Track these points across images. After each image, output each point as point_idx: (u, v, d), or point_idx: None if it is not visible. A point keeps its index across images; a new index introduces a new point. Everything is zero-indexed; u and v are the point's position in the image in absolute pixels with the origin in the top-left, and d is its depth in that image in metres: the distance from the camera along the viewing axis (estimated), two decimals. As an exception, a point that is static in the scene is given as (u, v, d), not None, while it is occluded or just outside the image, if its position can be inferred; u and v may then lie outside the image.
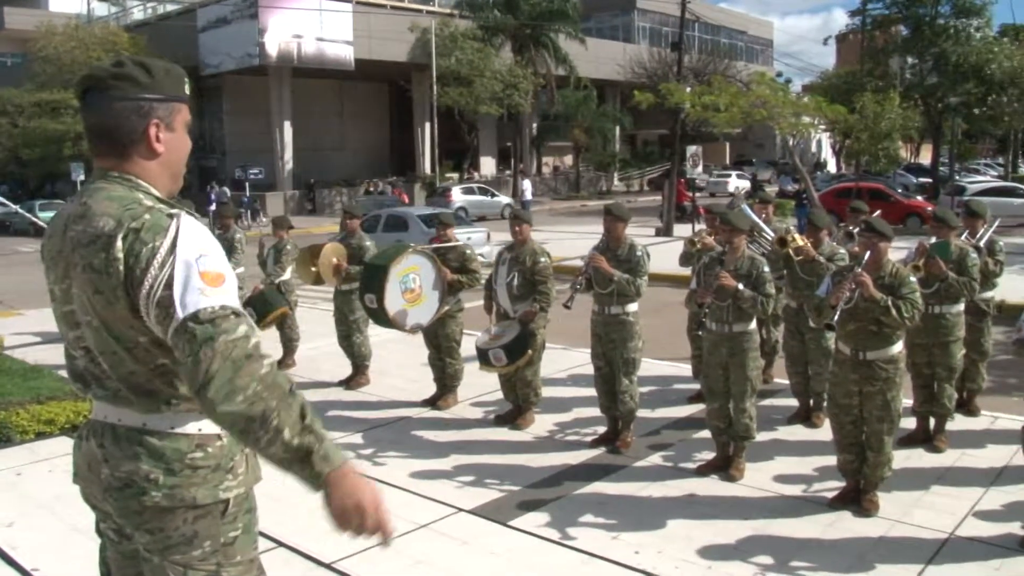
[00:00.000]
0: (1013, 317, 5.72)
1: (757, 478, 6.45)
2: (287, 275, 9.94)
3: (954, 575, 4.96)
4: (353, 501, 2.29)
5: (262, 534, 5.15)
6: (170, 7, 43.40)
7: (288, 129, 39.16)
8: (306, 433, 2.21)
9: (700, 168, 29.90)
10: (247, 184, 34.74)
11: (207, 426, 2.43)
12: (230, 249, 10.35)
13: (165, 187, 2.45)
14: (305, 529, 5.49)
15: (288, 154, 39.19)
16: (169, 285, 2.18)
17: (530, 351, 7.48)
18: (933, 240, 7.08)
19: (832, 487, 6.16)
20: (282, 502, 5.89)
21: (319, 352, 10.50)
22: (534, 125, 48.57)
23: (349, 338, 9.21)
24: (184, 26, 38.55)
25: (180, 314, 2.15)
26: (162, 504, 2.37)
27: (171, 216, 2.26)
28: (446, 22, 39.74)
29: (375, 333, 9.41)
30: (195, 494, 2.39)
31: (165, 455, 2.38)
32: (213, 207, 28.16)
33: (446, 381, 8.43)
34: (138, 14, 45.88)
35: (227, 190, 34.05)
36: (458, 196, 33.72)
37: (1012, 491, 6.00)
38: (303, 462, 2.22)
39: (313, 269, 8.90)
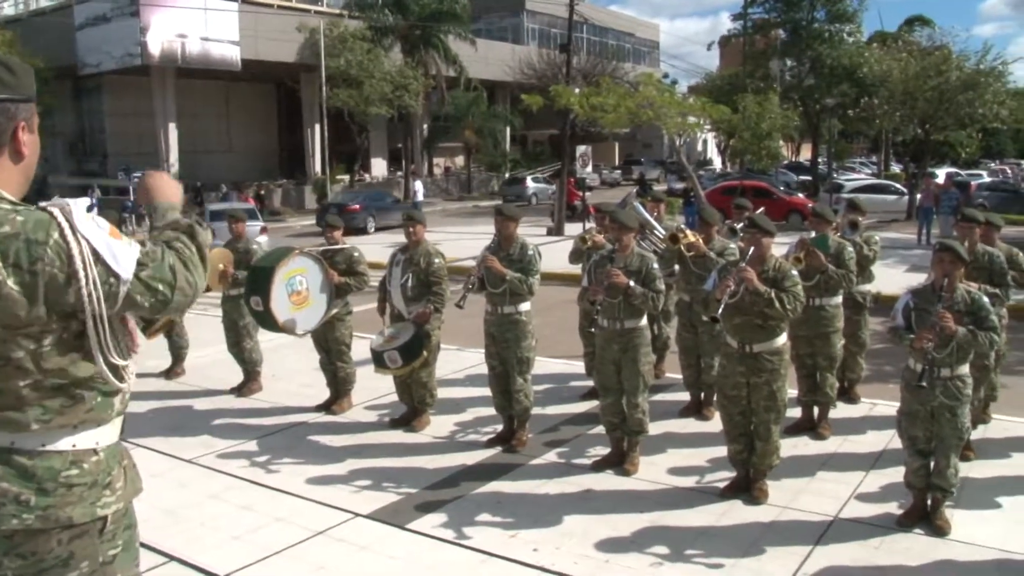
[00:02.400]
0: (888, 308, 5.96)
1: (651, 471, 6.57)
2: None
3: (839, 555, 5.16)
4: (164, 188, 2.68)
5: (152, 548, 5.06)
6: (44, 3, 41.60)
7: (173, 131, 38.03)
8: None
9: (590, 168, 30.27)
10: (131, 188, 33.60)
11: (82, 441, 2.32)
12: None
13: (21, 191, 2.38)
14: (197, 540, 5.37)
15: (173, 156, 38.04)
16: (98, 259, 2.22)
17: (425, 352, 7.45)
18: (813, 235, 7.35)
19: (723, 477, 6.32)
20: (173, 515, 5.78)
21: (209, 359, 10.24)
22: (425, 126, 48.38)
23: (239, 344, 9.01)
24: (60, 23, 36.96)
25: (127, 275, 2.25)
26: (35, 526, 2.25)
27: (40, 208, 2.23)
28: (335, 22, 39.20)
29: (266, 338, 9.24)
30: (71, 513, 2.28)
31: (37, 475, 2.26)
32: (94, 211, 27.11)
33: (339, 385, 8.33)
34: (8, 9, 43.82)
35: (98, 191, 32.83)
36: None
37: (890, 473, 6.27)
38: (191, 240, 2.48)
39: (199, 276, 8.65)
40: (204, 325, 11.32)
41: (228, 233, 9.12)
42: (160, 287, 2.31)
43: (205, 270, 2.46)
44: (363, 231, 28.77)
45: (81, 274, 2.20)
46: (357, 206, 30.20)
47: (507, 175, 41.23)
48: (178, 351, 9.79)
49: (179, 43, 35.67)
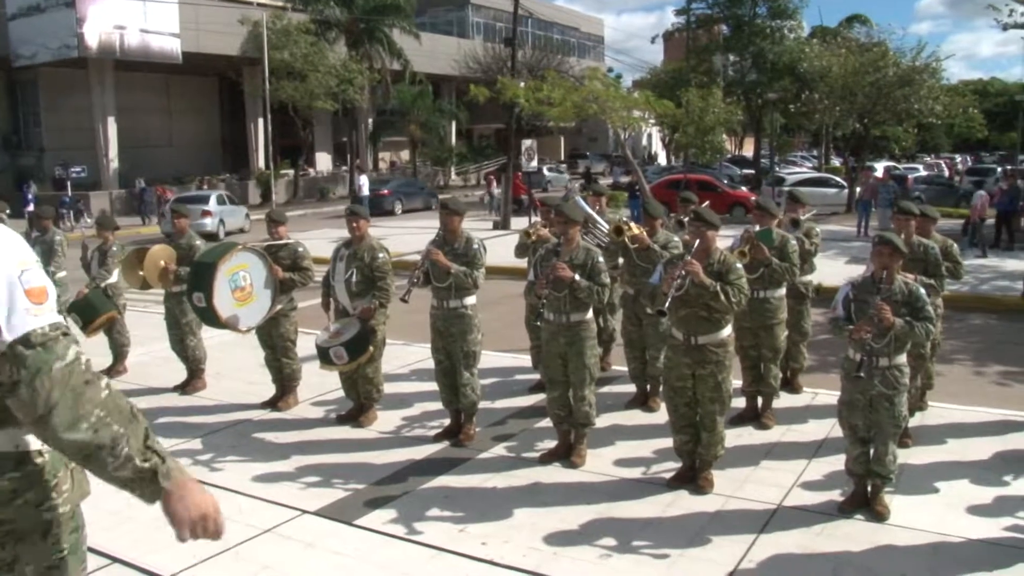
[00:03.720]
0: (829, 299, 6.07)
1: (598, 463, 6.61)
2: (114, 278, 9.43)
3: (783, 542, 5.25)
4: (199, 512, 2.25)
5: (96, 551, 4.96)
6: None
7: (112, 125, 37.23)
8: (151, 454, 2.19)
9: (535, 162, 30.33)
10: (68, 183, 32.90)
11: (25, 443, 2.28)
12: (49, 252, 9.81)
13: None
14: (142, 541, 5.28)
15: (113, 151, 37.28)
16: None
17: (371, 348, 7.42)
18: (757, 228, 7.45)
19: (670, 468, 6.39)
20: (118, 516, 5.66)
21: (151, 357, 10.08)
22: (370, 120, 48.08)
23: (182, 342, 8.88)
24: (-11, 12, 36.05)
25: (6, 337, 2.04)
26: None
27: None
28: (278, 15, 38.71)
29: (210, 335, 9.12)
30: (14, 516, 2.25)
31: None
32: (31, 207, 26.56)
33: (284, 382, 8.25)
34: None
35: (35, 187, 32.10)
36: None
37: (832, 461, 6.38)
38: (150, 482, 2.20)
39: (140, 273, 8.54)
40: (146, 322, 11.14)
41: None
42: (21, 373, 2.04)
43: (75, 436, 2.07)
44: (391, 213, 33.05)
45: None
46: (387, 191, 34.93)
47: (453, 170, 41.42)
48: (119, 349, 9.62)
49: (118, 35, 34.94)
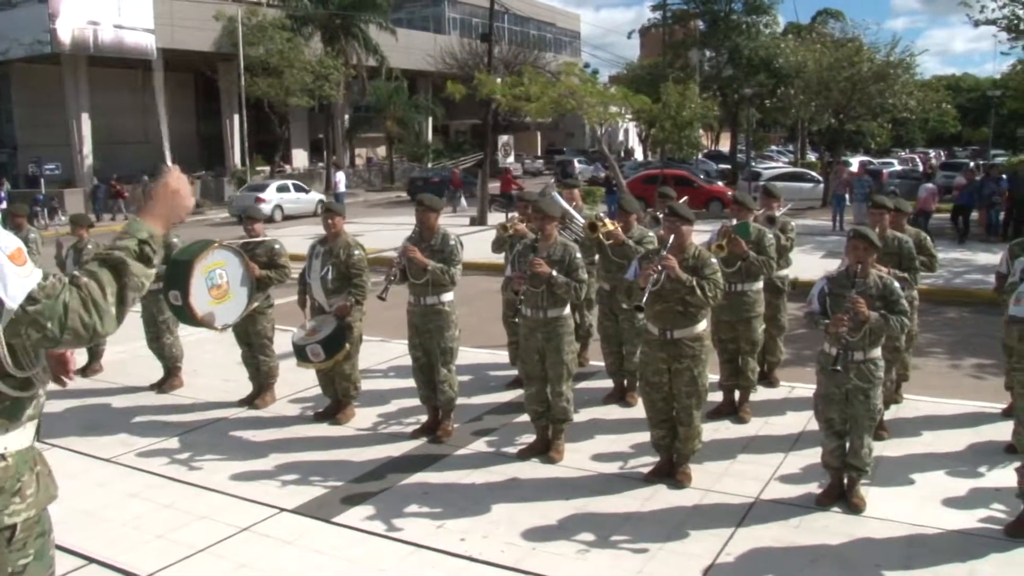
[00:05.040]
0: (806, 293, 6.10)
1: (576, 458, 6.62)
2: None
3: (760, 535, 5.27)
4: (173, 204, 2.50)
5: (71, 551, 4.93)
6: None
7: (86, 121, 36.90)
8: (134, 245, 2.36)
9: (512, 157, 30.33)
10: (42, 180, 32.57)
11: None
12: (23, 250, 9.70)
13: None
14: (118, 541, 5.25)
15: (87, 148, 36.95)
16: None
17: (348, 345, 7.39)
18: (734, 222, 7.48)
19: (647, 462, 6.40)
20: (93, 516, 5.64)
21: (128, 355, 9.98)
22: (346, 116, 47.91)
23: (159, 340, 8.81)
24: (-40, 8, 35.63)
25: (12, 303, 2.16)
26: None
27: None
28: (253, 11, 38.51)
29: (187, 333, 9.06)
30: None
31: None
32: (3, 205, 26.29)
33: (261, 379, 8.22)
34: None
35: (7, 184, 31.75)
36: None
37: (809, 454, 6.42)
38: (143, 250, 2.38)
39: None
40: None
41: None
42: (49, 325, 2.19)
43: (122, 310, 2.31)
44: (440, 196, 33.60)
45: None
46: (437, 179, 37.48)
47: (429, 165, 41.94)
48: (95, 348, 9.53)
49: (91, 30, 34.64)
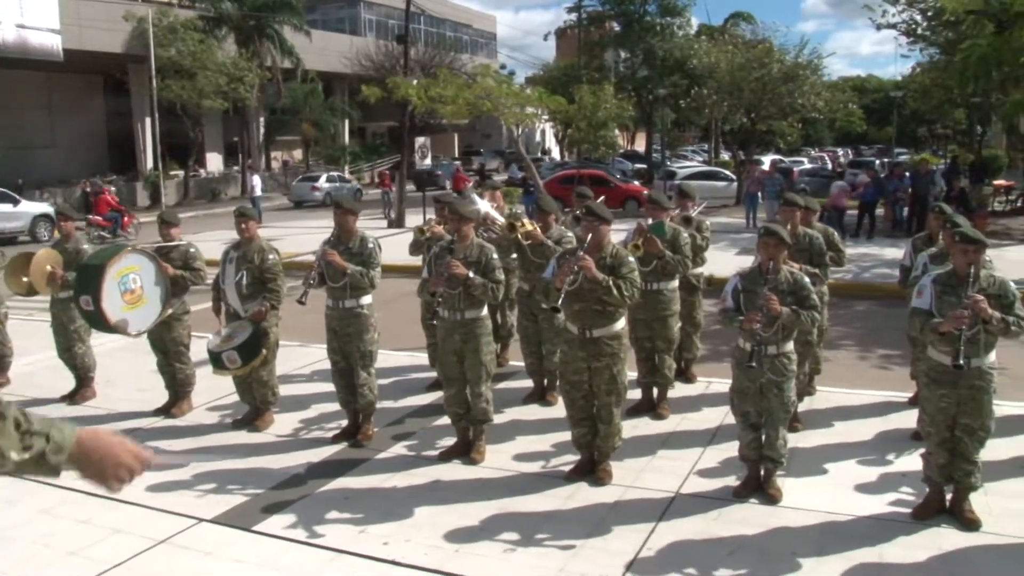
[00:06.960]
0: (720, 290, 6.21)
1: (498, 459, 6.63)
2: (-7, 286, 9.03)
3: (680, 529, 5.36)
4: (113, 465, 2.23)
5: (-26, 570, 4.74)
6: None
7: (-12, 125, 35.69)
8: (30, 439, 2.09)
9: (429, 159, 30.23)
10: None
11: None
12: (-81, 261, 9.33)
13: None
14: (30, 559, 5.09)
15: (-11, 152, 35.72)
16: None
17: (264, 351, 7.29)
18: (650, 221, 7.57)
19: (569, 461, 6.45)
20: (1, 535, 5.43)
21: (37, 367, 9.66)
22: (262, 119, 47.12)
23: (70, 349, 8.53)
24: None
25: None
26: None
27: None
28: (164, 11, 37.55)
29: (99, 342, 8.81)
30: None
31: None
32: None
33: (178, 387, 8.04)
34: None
35: None
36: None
37: (726, 448, 6.55)
38: (38, 464, 2.11)
39: (25, 279, 8.19)
40: (30, 331, 10.68)
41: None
42: None
43: None
44: (441, 189, 35.41)
45: None
46: (439, 172, 41.44)
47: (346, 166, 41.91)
48: (1, 359, 9.19)
49: (-9, 31, 33.42)
